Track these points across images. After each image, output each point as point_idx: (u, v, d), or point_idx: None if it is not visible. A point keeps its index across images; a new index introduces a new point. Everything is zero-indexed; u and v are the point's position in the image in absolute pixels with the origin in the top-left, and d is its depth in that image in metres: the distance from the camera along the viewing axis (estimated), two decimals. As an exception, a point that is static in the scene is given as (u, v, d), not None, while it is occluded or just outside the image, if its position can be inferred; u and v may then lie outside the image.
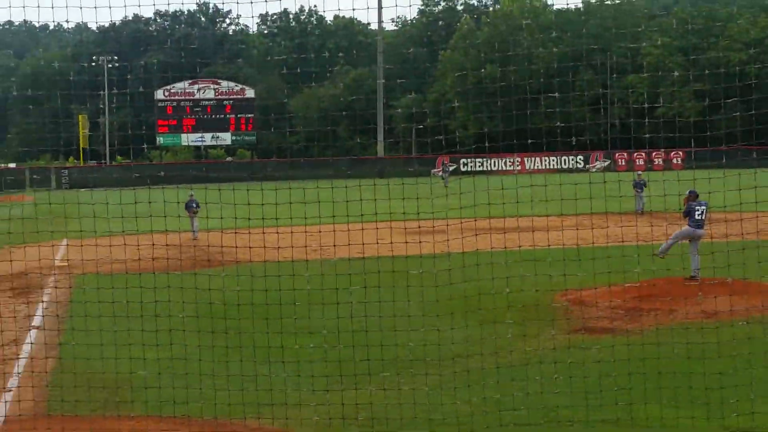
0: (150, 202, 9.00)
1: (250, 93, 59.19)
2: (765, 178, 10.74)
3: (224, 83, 58.98)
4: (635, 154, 55.52)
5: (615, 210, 16.89)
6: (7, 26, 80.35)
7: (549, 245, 11.23)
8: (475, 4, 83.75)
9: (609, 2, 71.70)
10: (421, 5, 76.46)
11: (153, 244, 9.66)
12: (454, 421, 6.40)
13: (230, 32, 71.42)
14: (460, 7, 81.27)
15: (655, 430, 6.32)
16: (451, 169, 49.78)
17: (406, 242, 9.11)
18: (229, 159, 60.53)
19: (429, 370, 7.73)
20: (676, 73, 57.90)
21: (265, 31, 71.60)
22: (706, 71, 47.59)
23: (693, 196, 12.82)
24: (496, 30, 67.72)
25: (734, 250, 9.52)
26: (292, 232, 8.92)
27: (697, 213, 12.64)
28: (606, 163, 58.22)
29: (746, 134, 23.86)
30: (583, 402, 6.62)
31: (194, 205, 21.16)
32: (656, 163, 54.75)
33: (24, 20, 57.36)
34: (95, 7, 8.31)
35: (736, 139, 28.13)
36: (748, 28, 63.92)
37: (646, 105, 43.08)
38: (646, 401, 6.79)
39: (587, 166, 58.00)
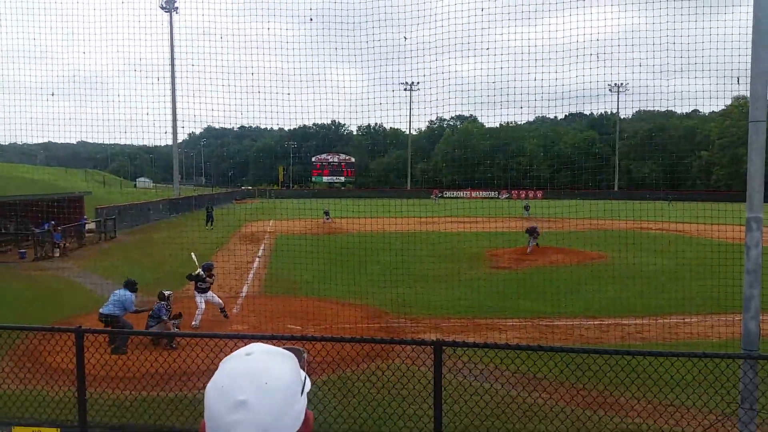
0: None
1: (351, 159, 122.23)
2: None
3: (342, 155, 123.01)
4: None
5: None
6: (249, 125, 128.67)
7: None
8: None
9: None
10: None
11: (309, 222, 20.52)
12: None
13: (345, 133, 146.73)
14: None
15: (526, 313, 17.82)
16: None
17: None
18: (342, 188, 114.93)
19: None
20: None
21: (358, 132, 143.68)
22: None
23: None
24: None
25: None
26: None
27: None
28: None
29: None
30: (500, 293, 18.09)
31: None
32: None
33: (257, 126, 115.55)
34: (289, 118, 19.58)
35: None
36: None
37: None
38: (523, 297, 18.37)
39: None
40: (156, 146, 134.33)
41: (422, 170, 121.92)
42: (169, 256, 21.38)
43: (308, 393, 1.44)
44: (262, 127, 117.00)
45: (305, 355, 1.57)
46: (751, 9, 5.96)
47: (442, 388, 5.71)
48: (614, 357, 6.66)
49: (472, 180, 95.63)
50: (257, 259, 21.91)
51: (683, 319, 14.07)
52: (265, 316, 13.80)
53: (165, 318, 11.98)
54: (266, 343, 1.55)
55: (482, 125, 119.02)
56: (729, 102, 79.34)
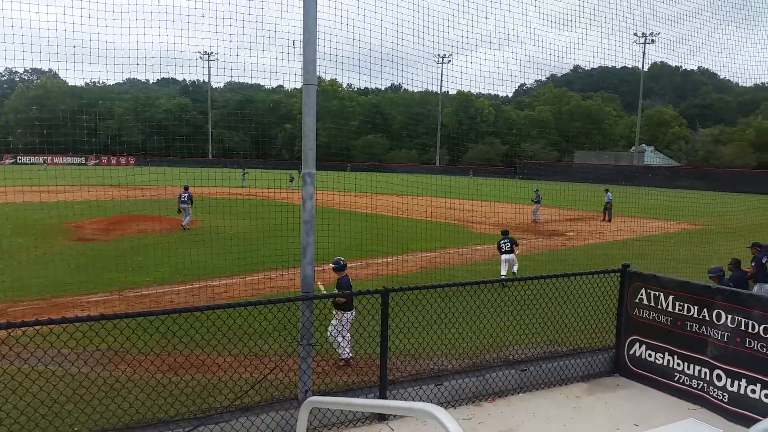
0: None
1: None
2: None
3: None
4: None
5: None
6: None
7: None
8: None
9: None
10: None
11: None
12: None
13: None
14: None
15: (112, 286, 16.65)
16: None
17: None
18: None
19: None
20: None
21: None
22: None
23: None
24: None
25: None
26: None
27: None
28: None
29: None
30: (83, 267, 16.43)
31: None
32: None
33: None
34: None
35: None
36: None
37: None
38: (110, 269, 17.10)
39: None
40: None
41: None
42: None
43: None
44: None
45: None
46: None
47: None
48: (203, 316, 6.69)
49: (54, 144, 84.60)
50: None
51: (267, 275, 15.30)
52: None
53: None
54: None
55: (64, 82, 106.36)
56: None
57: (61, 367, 7.24)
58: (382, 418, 6.53)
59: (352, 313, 8.94)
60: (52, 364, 7.12)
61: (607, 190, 32.75)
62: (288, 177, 42.24)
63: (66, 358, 7.41)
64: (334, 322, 8.83)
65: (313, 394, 6.35)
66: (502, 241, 15.97)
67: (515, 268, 15.88)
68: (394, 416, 6.51)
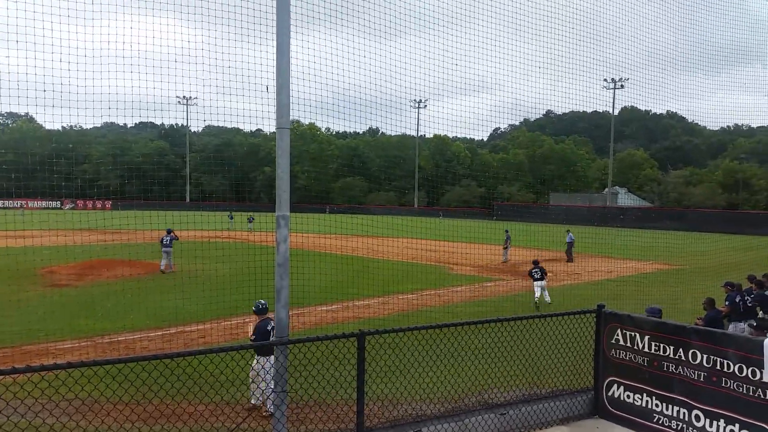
0: None
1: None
2: None
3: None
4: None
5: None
6: None
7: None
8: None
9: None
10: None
11: None
12: None
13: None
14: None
15: (84, 333, 16.24)
16: None
17: None
18: None
19: None
20: None
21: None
22: None
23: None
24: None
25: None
26: None
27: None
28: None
29: None
30: (55, 314, 16.02)
31: None
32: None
33: None
34: None
35: None
36: None
37: None
38: (82, 316, 16.69)
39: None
40: None
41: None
42: None
43: None
44: None
45: None
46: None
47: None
48: (173, 363, 6.53)
49: (30, 189, 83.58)
50: None
51: (243, 319, 15.03)
52: None
53: None
54: None
55: (41, 126, 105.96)
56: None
57: (24, 419, 6.95)
58: (358, 466, 6.35)
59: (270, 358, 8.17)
60: (15, 415, 6.84)
61: (568, 231, 32.72)
62: (227, 215, 42.13)
63: (30, 408, 7.13)
64: (256, 367, 8.15)
65: (288, 443, 6.17)
66: (533, 270, 18.12)
67: (547, 298, 17.82)
68: (372, 464, 6.35)
